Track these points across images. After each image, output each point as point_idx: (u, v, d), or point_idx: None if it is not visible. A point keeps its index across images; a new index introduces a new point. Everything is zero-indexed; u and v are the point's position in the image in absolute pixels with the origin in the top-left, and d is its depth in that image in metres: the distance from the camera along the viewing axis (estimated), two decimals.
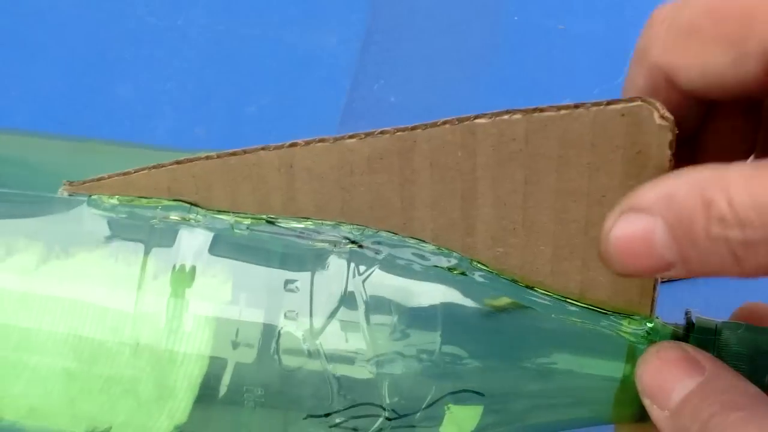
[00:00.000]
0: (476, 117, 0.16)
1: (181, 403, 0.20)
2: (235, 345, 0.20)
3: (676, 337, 0.19)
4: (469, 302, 0.19)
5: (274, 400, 0.20)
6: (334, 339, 0.19)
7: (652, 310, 0.18)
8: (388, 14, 0.40)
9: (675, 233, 0.13)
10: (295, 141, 0.18)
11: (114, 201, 0.20)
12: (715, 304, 0.19)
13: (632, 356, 0.18)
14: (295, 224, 0.20)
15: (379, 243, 0.20)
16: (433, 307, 0.19)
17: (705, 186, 0.13)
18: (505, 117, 0.16)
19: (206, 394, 0.20)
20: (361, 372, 0.19)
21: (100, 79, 0.38)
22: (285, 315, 0.20)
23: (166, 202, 0.20)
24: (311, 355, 0.19)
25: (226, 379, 0.20)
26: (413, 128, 0.17)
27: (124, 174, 0.20)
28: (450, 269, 0.19)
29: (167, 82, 0.38)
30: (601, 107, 0.15)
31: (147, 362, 0.20)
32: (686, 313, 0.19)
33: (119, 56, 0.39)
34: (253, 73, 0.38)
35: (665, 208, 0.13)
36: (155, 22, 0.39)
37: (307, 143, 0.18)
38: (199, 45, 0.39)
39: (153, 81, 0.38)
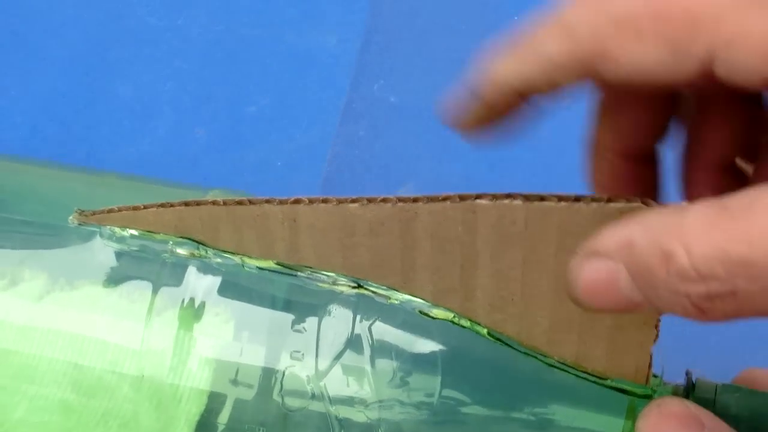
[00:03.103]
0: (477, 197, 0.17)
1: None
2: (238, 383, 0.20)
3: (676, 395, 0.19)
4: (470, 350, 0.19)
5: None
6: (339, 382, 0.20)
7: (648, 380, 0.19)
8: (388, 14, 0.40)
9: (637, 281, 0.13)
10: (298, 198, 0.19)
11: (125, 233, 0.21)
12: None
13: (632, 413, 0.19)
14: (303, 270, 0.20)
15: (384, 291, 0.20)
16: (434, 354, 0.19)
17: (663, 236, 0.12)
18: (506, 201, 0.16)
19: (202, 430, 0.20)
20: (364, 416, 0.19)
21: (100, 79, 0.38)
22: (291, 355, 0.20)
23: (176, 239, 0.20)
24: (315, 395, 0.20)
25: (225, 416, 0.20)
26: (414, 200, 0.18)
27: (134, 208, 0.20)
28: (452, 321, 0.19)
29: (167, 82, 0.38)
30: (601, 204, 0.15)
31: (146, 397, 0.20)
32: (686, 374, 0.20)
33: (119, 56, 0.39)
34: (253, 73, 0.38)
35: (625, 256, 0.13)
36: (155, 22, 0.39)
37: (311, 201, 0.19)
38: (199, 45, 0.39)
39: (153, 81, 0.38)
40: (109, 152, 0.36)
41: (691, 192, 0.17)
